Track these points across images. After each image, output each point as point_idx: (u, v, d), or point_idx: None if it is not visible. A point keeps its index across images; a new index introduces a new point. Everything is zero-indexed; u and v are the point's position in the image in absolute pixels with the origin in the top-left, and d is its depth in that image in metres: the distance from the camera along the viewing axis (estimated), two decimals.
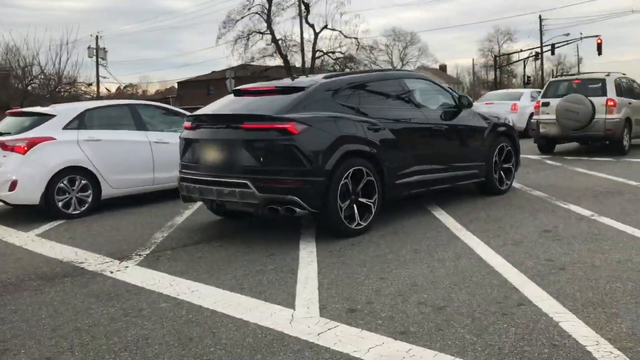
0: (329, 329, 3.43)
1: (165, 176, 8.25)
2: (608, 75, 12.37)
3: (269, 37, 41.65)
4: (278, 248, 5.41)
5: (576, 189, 8.05)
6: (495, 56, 62.63)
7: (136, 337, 3.44)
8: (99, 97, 35.85)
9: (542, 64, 55.65)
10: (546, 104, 12.48)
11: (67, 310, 3.99)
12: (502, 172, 7.80)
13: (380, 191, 5.92)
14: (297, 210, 5.36)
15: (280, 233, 6.08)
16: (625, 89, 12.62)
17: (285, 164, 5.32)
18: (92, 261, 5.27)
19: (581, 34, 50.39)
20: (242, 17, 41.96)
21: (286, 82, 6.40)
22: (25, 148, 7.27)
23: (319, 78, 6.15)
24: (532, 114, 16.12)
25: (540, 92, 15.54)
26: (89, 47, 42.74)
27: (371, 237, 5.69)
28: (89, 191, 7.65)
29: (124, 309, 3.96)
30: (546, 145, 12.85)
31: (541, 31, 54.33)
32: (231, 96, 6.40)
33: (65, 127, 7.62)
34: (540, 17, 54.54)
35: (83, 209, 7.58)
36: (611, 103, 11.71)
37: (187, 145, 6.07)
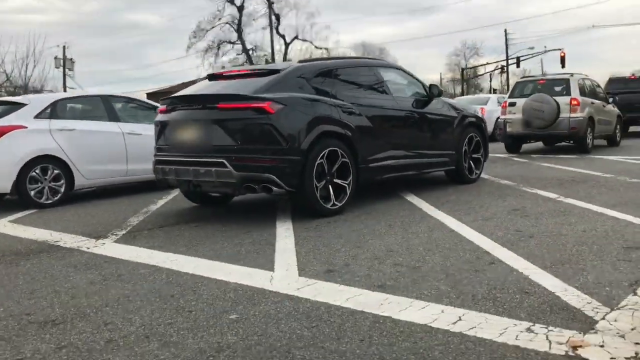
0: (308, 285, 3.50)
1: (138, 168, 8.23)
2: (572, 75, 12.80)
3: (239, 47, 41.83)
4: (255, 226, 5.47)
5: (542, 178, 8.30)
6: (463, 69, 64.02)
7: (117, 296, 3.46)
8: None
9: (507, 77, 56.95)
10: (513, 104, 12.83)
11: (45, 277, 3.98)
12: (471, 161, 7.99)
13: (354, 173, 6.03)
14: (274, 188, 5.43)
15: (257, 215, 6.14)
16: (588, 89, 13.06)
17: (262, 143, 5.39)
18: (67, 239, 5.25)
19: (545, 47, 52.01)
20: (212, 27, 42.10)
21: (261, 66, 6.49)
22: None
23: (293, 62, 6.26)
24: (498, 118, 16.54)
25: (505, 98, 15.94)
26: (55, 58, 42.09)
27: (346, 217, 5.79)
28: (62, 181, 7.58)
29: (102, 275, 3.97)
30: (513, 144, 13.18)
31: (507, 44, 55.76)
32: (206, 81, 6.46)
33: (37, 116, 7.55)
34: (505, 31, 55.90)
35: (56, 198, 7.51)
36: (575, 102, 12.11)
37: (162, 128, 6.09)
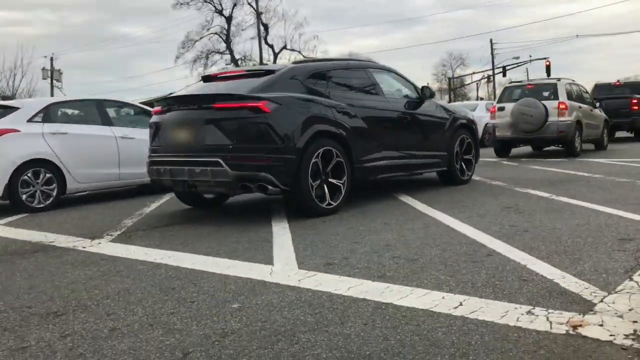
0: (308, 277, 3.53)
1: (131, 172, 8.23)
2: (559, 80, 12.98)
3: (228, 56, 41.92)
4: (251, 226, 5.49)
5: (533, 179, 8.40)
6: (449, 79, 64.59)
7: (117, 290, 3.47)
8: None
9: (494, 86, 57.56)
10: (502, 109, 12.97)
11: (43, 274, 3.97)
12: (463, 163, 8.07)
13: (349, 173, 6.07)
14: (270, 187, 5.46)
15: (252, 216, 6.16)
16: (576, 94, 13.25)
17: (258, 142, 5.42)
18: (62, 240, 5.23)
19: (530, 56, 52.62)
20: (201, 38, 42.17)
21: (255, 67, 6.54)
22: None
23: (288, 63, 6.31)
24: (487, 124, 16.71)
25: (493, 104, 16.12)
26: (43, 69, 41.92)
27: (342, 215, 5.82)
28: (54, 185, 7.55)
29: (101, 271, 3.97)
30: (502, 148, 13.31)
31: (492, 54, 56.34)
32: (200, 82, 6.49)
33: (30, 120, 7.53)
34: (491, 40, 56.50)
35: (48, 202, 7.48)
36: (563, 106, 12.27)
37: (157, 129, 6.11)
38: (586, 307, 2.78)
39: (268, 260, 4.05)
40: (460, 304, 2.89)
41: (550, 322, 2.60)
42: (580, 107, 12.96)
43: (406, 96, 7.49)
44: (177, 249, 4.58)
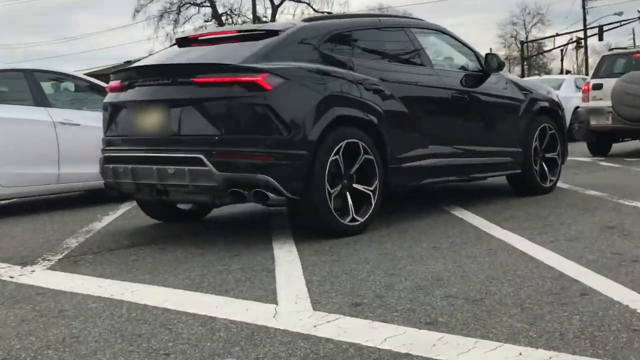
0: (327, 322, 3.56)
1: (75, 172, 8.34)
2: None
3: (208, 10, 42.15)
4: (244, 248, 5.54)
5: None
6: (522, 43, 64.59)
7: (61, 337, 3.51)
8: None
9: (586, 54, 57.55)
10: (599, 87, 12.95)
11: None
12: (544, 163, 8.09)
13: (382, 176, 6.11)
14: (271, 195, 5.50)
15: (245, 234, 6.22)
16: None
17: (254, 131, 5.47)
18: None
19: (639, 12, 52.27)
20: None
21: (252, 26, 6.61)
22: None
23: (296, 21, 6.37)
24: (577, 107, 16.67)
25: (587, 79, 16.09)
26: None
27: (371, 236, 5.86)
28: None
29: (37, 310, 4.02)
30: (598, 144, 13.28)
31: (584, 8, 56.11)
32: (174, 47, 6.57)
33: None
34: None
35: None
36: None
37: (114, 112, 6.19)
38: None
39: (270, 296, 4.08)
40: None
41: None
42: None
43: (463, 68, 7.52)
44: (142, 280, 4.62)
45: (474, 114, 7.28)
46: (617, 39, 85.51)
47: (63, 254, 5.68)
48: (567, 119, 17.82)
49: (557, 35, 58.61)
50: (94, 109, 8.43)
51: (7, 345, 3.43)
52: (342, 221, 5.82)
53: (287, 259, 5.08)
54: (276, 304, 3.93)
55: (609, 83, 12.71)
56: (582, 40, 56.75)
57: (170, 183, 5.71)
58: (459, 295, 3.98)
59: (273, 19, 42.52)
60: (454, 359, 3.01)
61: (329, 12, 42.30)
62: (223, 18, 42.29)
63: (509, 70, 67.86)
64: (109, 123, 6.26)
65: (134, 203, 7.74)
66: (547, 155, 8.15)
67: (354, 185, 5.96)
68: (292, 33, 6.02)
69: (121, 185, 6.15)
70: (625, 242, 5.29)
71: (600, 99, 12.85)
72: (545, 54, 68.99)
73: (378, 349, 3.16)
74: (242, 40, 6.08)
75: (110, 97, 6.27)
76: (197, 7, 42.81)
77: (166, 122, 5.72)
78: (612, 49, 15.42)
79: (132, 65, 6.30)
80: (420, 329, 3.41)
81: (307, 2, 42.99)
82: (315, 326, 3.49)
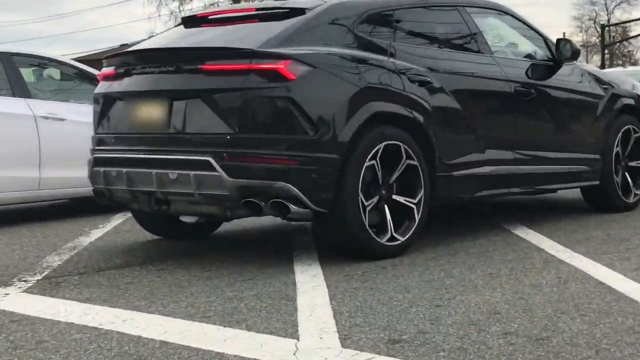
0: None
1: (59, 176, 8.40)
2: None
3: None
4: (259, 271, 5.55)
5: None
6: (602, 27, 64.08)
7: None
8: None
9: None
10: None
11: None
12: (627, 173, 8.03)
13: (428, 186, 6.09)
14: (292, 207, 5.49)
15: (259, 254, 6.23)
16: None
17: (274, 129, 5.49)
18: None
19: None
20: None
21: (272, 3, 6.63)
22: None
23: None
24: None
25: None
26: None
27: (414, 259, 5.84)
28: None
29: (11, 341, 4.05)
30: None
31: None
32: (180, 28, 6.61)
33: None
34: None
35: None
36: None
37: (107, 105, 6.24)
38: None
39: (290, 330, 4.07)
40: None
41: None
42: None
43: (529, 56, 7.49)
44: (137, 307, 4.64)
45: (542, 113, 7.24)
46: None
47: (43, 274, 5.71)
48: None
49: None
50: (83, 101, 8.52)
51: None
52: (378, 240, 5.80)
53: (311, 285, 5.07)
54: (297, 339, 3.91)
55: None
56: None
57: (172, 191, 5.73)
58: (520, 332, 3.94)
59: None
60: None
61: None
62: None
63: (586, 60, 67.50)
64: (100, 118, 6.30)
65: (129, 214, 7.80)
66: (632, 163, 8.09)
67: (394, 197, 5.95)
68: (321, 12, 6.03)
69: (114, 193, 6.17)
70: None
71: None
72: (631, 40, 68.41)
73: None
74: (261, 19, 6.10)
75: (102, 87, 6.31)
76: None
77: (168, 117, 5.74)
78: None
79: (129, 49, 6.34)
80: None
81: None
82: None
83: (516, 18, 7.60)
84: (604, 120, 7.74)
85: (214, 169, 5.46)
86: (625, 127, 7.94)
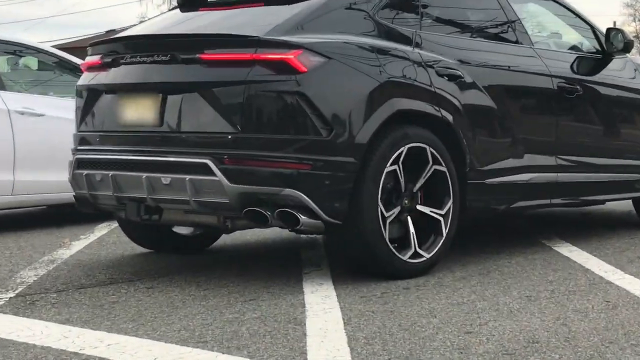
0: None
1: (36, 179, 8.42)
2: None
3: None
4: (263, 291, 5.55)
5: None
6: None
7: None
8: None
9: None
10: None
11: None
12: None
13: (458, 195, 6.09)
14: (303, 218, 5.49)
15: (264, 271, 6.23)
16: None
17: (282, 129, 5.49)
18: None
19: None
20: None
21: None
22: None
23: None
24: None
25: None
26: None
27: (441, 278, 5.84)
28: None
29: None
30: None
31: None
32: (175, 12, 6.61)
33: None
34: None
35: None
36: None
37: (91, 99, 6.26)
38: None
39: (298, 358, 4.05)
40: None
41: None
42: None
43: (575, 48, 7.49)
44: (123, 330, 4.63)
45: (589, 113, 7.25)
46: None
47: (16, 291, 5.72)
48: None
49: None
50: (64, 94, 8.54)
51: None
52: (400, 257, 5.79)
53: (322, 307, 5.06)
54: None
55: None
56: None
57: (165, 197, 5.73)
58: None
59: None
60: None
61: None
62: None
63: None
64: (83, 114, 6.32)
65: (115, 224, 7.80)
66: None
67: (418, 207, 5.95)
68: None
69: (98, 199, 6.17)
70: None
71: None
72: None
73: None
74: (267, 3, 6.10)
75: (86, 79, 6.34)
76: None
77: (161, 114, 5.75)
78: None
79: (117, 36, 6.34)
80: None
81: None
82: None
83: (560, 4, 7.59)
84: None
85: (213, 173, 5.46)
86: None
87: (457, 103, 6.14)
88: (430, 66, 6.09)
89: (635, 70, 7.72)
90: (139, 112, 5.89)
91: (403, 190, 5.85)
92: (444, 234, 6.01)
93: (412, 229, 5.86)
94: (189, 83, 5.66)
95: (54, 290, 5.74)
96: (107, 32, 54.48)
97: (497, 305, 5.08)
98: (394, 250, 5.75)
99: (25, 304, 5.37)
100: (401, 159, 5.77)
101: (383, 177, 5.67)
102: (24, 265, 6.69)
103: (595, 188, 7.30)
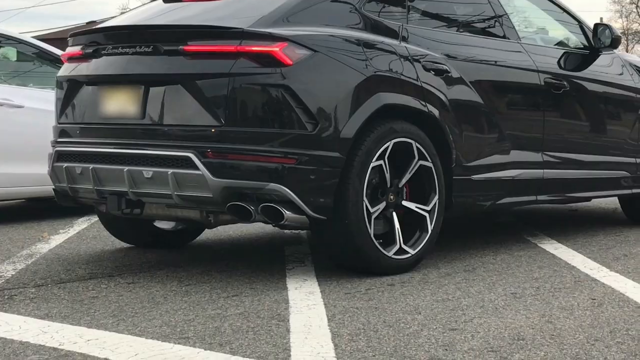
0: None
1: (13, 172, 8.39)
2: None
3: None
4: (246, 286, 5.55)
5: None
6: None
7: None
8: None
9: None
10: None
11: None
12: None
13: (443, 191, 6.10)
14: (286, 214, 5.49)
15: (247, 267, 6.23)
16: None
17: (266, 123, 5.49)
18: None
19: None
20: None
21: None
22: None
23: None
24: None
25: None
26: None
27: (426, 275, 5.85)
28: None
29: None
30: None
31: None
32: (157, 3, 6.59)
33: None
34: None
35: None
36: None
37: (71, 91, 6.23)
38: None
39: (281, 354, 4.05)
40: None
41: None
42: None
43: (562, 43, 7.50)
44: (103, 325, 4.62)
45: (576, 109, 7.28)
46: None
47: None
48: None
49: None
50: (45, 85, 8.50)
51: None
52: (385, 253, 5.80)
53: (306, 303, 5.06)
54: None
55: None
56: None
57: (147, 191, 5.71)
58: None
59: None
60: None
61: None
62: None
63: (627, 50, 67.51)
64: (63, 105, 6.29)
65: (95, 218, 7.79)
66: None
67: (404, 203, 5.96)
68: None
69: (78, 193, 6.16)
70: None
71: None
72: None
73: None
74: None
75: (66, 70, 6.31)
76: None
77: (144, 106, 5.73)
78: None
79: (98, 26, 6.31)
80: None
81: None
82: None
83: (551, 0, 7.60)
84: None
85: (196, 167, 5.45)
86: None
87: (443, 98, 6.15)
88: (417, 60, 6.09)
89: (623, 66, 7.74)
90: (120, 104, 5.88)
91: (388, 186, 5.86)
92: (430, 230, 6.03)
93: (397, 225, 5.87)
94: (172, 75, 5.65)
95: (32, 285, 5.72)
96: (88, 23, 54.44)
97: (482, 302, 5.10)
98: (379, 246, 5.76)
99: (4, 298, 5.35)
100: (387, 154, 5.78)
101: (368, 172, 5.67)
102: (1, 259, 6.66)
103: (582, 185, 7.34)
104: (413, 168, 5.95)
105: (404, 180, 5.94)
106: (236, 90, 5.48)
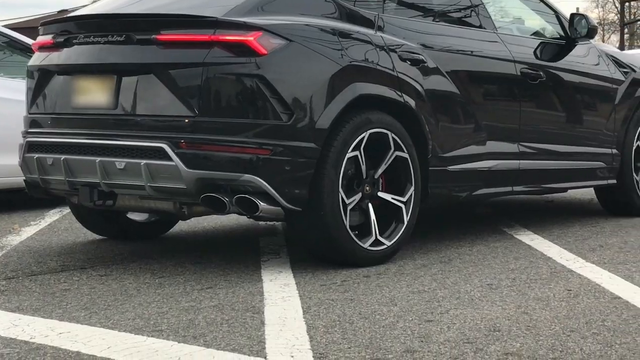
0: None
1: None
2: None
3: None
4: (221, 278, 5.55)
5: None
6: (623, 1, 64.57)
7: None
8: None
9: None
10: None
11: None
12: None
13: (419, 181, 6.11)
14: (261, 205, 5.48)
15: (221, 259, 6.23)
16: None
17: (241, 113, 5.48)
18: None
19: None
20: None
21: None
22: None
23: None
24: None
25: None
26: None
27: (402, 267, 5.86)
28: None
29: None
30: None
31: None
32: None
33: None
34: None
35: None
36: None
37: (42, 80, 6.20)
38: None
39: (256, 347, 4.06)
40: None
41: None
42: None
43: (538, 33, 7.52)
44: (75, 318, 4.61)
45: (552, 99, 7.30)
46: None
47: None
48: None
49: None
50: (15, 75, 8.46)
51: None
52: (360, 244, 5.80)
53: (281, 295, 5.07)
54: (264, 357, 3.90)
55: None
56: None
57: (119, 182, 5.69)
58: (524, 352, 3.95)
59: None
60: None
61: None
62: None
63: (603, 40, 67.83)
64: (34, 95, 6.25)
65: (67, 210, 7.76)
66: None
67: (380, 194, 5.97)
68: None
69: (49, 184, 6.13)
70: None
71: None
72: None
73: None
74: None
75: (37, 59, 6.27)
76: None
77: (116, 96, 5.71)
78: None
79: (69, 15, 6.28)
80: None
81: None
82: None
83: None
84: (623, 110, 7.80)
85: (169, 158, 5.44)
86: None
87: (419, 88, 6.15)
88: (393, 50, 6.10)
89: (599, 56, 7.76)
90: (92, 94, 5.86)
91: (364, 177, 5.86)
92: (406, 222, 6.03)
93: (373, 217, 5.88)
94: (145, 64, 5.63)
95: (3, 278, 5.69)
96: (60, 11, 54.25)
97: (458, 294, 5.12)
98: (354, 237, 5.76)
99: None
100: (363, 144, 5.78)
101: (344, 163, 5.68)
102: None
103: (558, 176, 7.37)
104: (389, 159, 5.95)
105: (379, 171, 5.95)
106: (210, 80, 5.47)
